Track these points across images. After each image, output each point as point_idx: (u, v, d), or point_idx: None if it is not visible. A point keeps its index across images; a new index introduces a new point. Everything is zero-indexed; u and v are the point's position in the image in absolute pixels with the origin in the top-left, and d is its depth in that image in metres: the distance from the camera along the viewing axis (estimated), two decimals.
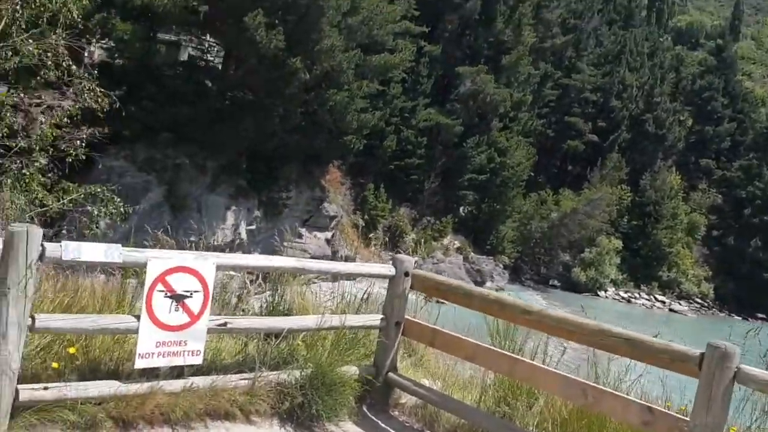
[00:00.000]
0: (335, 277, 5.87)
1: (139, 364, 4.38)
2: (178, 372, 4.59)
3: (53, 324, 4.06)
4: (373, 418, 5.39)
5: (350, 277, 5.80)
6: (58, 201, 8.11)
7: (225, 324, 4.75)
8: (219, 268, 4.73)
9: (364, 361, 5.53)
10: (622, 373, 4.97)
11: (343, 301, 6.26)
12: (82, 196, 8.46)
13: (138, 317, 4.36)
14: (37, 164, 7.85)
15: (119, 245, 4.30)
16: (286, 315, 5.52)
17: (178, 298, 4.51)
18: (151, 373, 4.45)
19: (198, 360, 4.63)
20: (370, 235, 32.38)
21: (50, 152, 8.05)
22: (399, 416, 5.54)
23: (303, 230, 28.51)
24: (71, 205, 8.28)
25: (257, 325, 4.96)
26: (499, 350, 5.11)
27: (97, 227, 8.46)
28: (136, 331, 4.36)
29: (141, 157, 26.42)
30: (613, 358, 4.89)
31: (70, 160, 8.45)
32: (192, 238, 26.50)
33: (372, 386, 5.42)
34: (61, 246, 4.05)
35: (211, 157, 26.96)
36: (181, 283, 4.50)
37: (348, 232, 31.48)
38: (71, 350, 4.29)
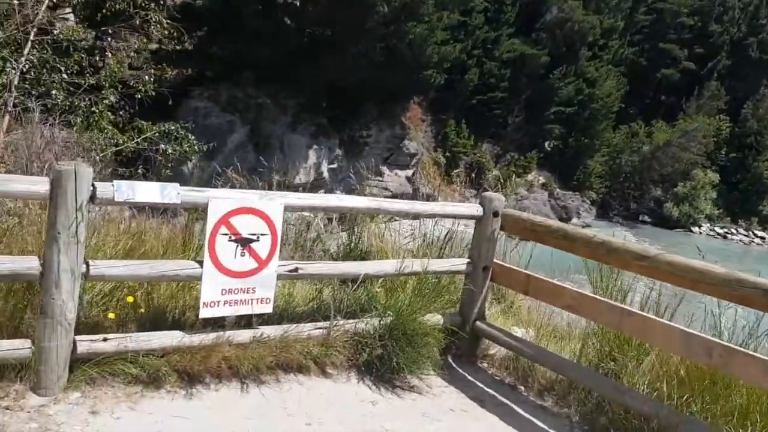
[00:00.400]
0: (416, 217, 5.30)
1: (204, 313, 3.99)
2: (246, 322, 4.18)
3: (109, 271, 3.69)
4: (459, 370, 4.87)
5: (432, 217, 5.21)
6: (133, 140, 7.85)
7: (296, 269, 4.29)
8: (287, 209, 4.24)
9: (448, 309, 5.00)
10: (740, 325, 4.24)
11: (425, 243, 5.71)
12: (157, 134, 8.17)
13: (201, 263, 3.94)
14: (106, 101, 7.57)
15: (176, 184, 3.86)
16: (363, 259, 5.02)
17: (244, 242, 4.06)
18: (217, 324, 4.06)
19: (268, 308, 4.21)
20: (452, 173, 31.57)
21: (119, 89, 7.75)
22: (488, 369, 5.01)
23: (384, 168, 28.03)
24: (146, 144, 8.02)
25: (331, 270, 4.47)
26: (607, 301, 4.44)
27: (169, 166, 8.18)
28: (199, 278, 3.96)
29: (224, 97, 26.42)
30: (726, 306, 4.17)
31: (139, 96, 8.13)
32: (275, 178, 26.63)
33: (458, 336, 4.90)
34: (113, 186, 3.64)
35: (291, 96, 26.65)
36: (246, 225, 4.05)
37: (429, 170, 30.79)
38: (129, 299, 3.93)
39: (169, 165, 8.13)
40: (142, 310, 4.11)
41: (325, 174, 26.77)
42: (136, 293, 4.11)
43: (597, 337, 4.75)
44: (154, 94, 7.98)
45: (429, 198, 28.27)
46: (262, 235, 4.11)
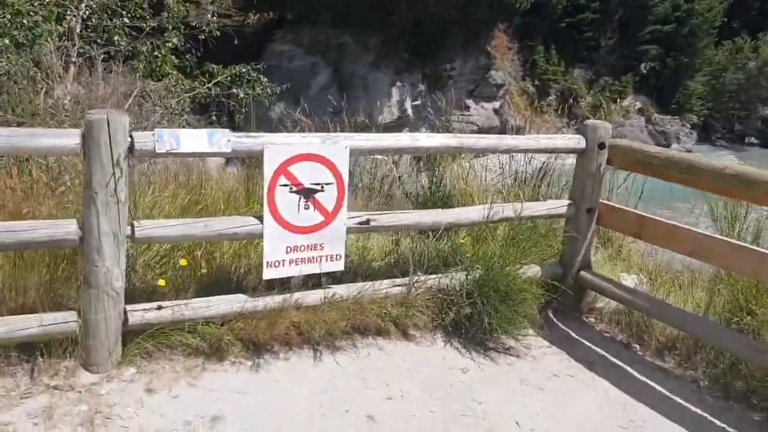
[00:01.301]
0: (506, 152, 4.56)
1: (268, 274, 3.48)
2: (314, 282, 3.66)
3: (157, 232, 3.21)
4: (562, 327, 4.21)
5: (525, 152, 4.46)
6: (204, 85, 7.39)
7: (367, 221, 3.70)
8: (354, 152, 3.62)
9: (547, 259, 4.29)
10: None
11: (516, 182, 4.98)
12: (229, 78, 7.67)
13: (262, 218, 3.42)
14: (169, 44, 7.08)
15: (227, 131, 3.31)
16: (446, 205, 4.38)
17: (307, 193, 3.50)
18: (283, 285, 3.56)
19: (338, 266, 3.66)
20: (542, 102, 29.94)
21: (182, 30, 7.24)
22: (595, 324, 4.31)
23: (469, 101, 26.89)
24: (218, 89, 7.54)
25: (408, 221, 3.85)
26: (740, 243, 3.62)
27: (243, 111, 7.67)
28: (260, 236, 3.44)
29: (306, 39, 25.89)
30: None
31: (203, 37, 7.61)
32: (360, 118, 26.09)
33: (558, 289, 4.21)
34: (154, 135, 3.13)
35: (373, 34, 25.76)
36: (308, 174, 3.47)
37: (517, 101, 29.33)
38: (183, 262, 3.47)
39: (243, 110, 7.67)
40: (204, 271, 3.66)
41: (409, 111, 25.96)
42: (196, 253, 3.65)
43: (727, 286, 3.95)
44: (218, 34, 7.43)
45: (519, 131, 27.00)
46: (326, 184, 3.53)
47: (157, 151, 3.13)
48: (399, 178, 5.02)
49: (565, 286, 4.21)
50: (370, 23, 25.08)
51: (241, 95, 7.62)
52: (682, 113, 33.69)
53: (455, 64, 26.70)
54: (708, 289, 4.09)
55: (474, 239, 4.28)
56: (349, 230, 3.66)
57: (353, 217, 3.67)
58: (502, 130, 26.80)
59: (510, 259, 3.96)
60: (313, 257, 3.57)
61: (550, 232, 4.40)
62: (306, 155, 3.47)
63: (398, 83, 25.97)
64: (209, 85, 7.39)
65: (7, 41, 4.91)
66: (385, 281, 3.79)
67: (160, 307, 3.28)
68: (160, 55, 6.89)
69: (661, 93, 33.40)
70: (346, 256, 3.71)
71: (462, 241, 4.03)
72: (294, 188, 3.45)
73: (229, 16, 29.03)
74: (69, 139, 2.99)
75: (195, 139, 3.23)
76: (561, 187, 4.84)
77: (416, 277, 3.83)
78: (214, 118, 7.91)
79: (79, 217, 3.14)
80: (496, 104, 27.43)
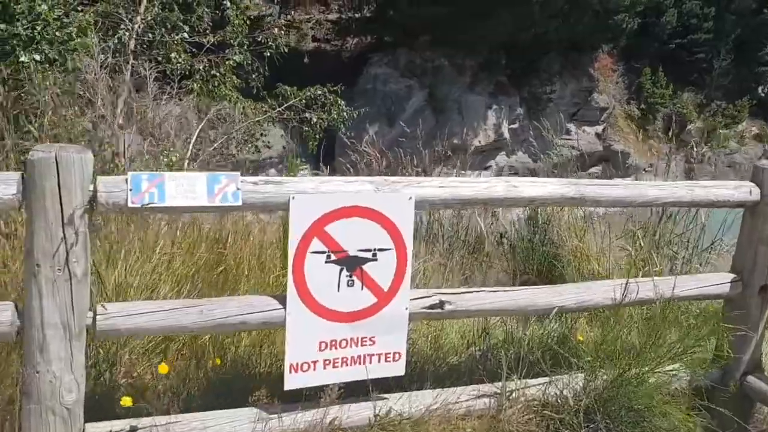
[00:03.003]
0: (646, 206, 3.23)
1: (292, 382, 2.35)
2: (361, 390, 2.49)
3: (127, 323, 2.15)
4: None
5: (674, 206, 3.13)
6: (273, 109, 6.43)
7: (441, 304, 2.50)
8: (421, 204, 2.46)
9: (695, 355, 2.93)
10: None
11: (647, 238, 3.64)
12: (303, 101, 6.70)
13: (284, 300, 2.30)
14: (230, 62, 6.15)
15: (236, 174, 2.22)
16: (552, 275, 3.12)
17: (352, 264, 2.36)
18: (314, 397, 2.42)
19: (397, 369, 2.48)
20: (647, 127, 27.69)
21: (246, 47, 6.31)
22: None
23: (570, 125, 25.12)
24: (288, 113, 6.57)
25: (501, 304, 2.61)
26: None
27: (316, 138, 6.68)
28: (281, 324, 2.32)
29: (402, 61, 25.11)
30: None
31: (269, 54, 6.64)
32: (455, 141, 24.94)
33: (713, 398, 2.84)
34: (127, 181, 2.09)
35: (469, 56, 24.59)
36: (354, 236, 2.34)
37: (621, 125, 27.22)
38: (162, 369, 2.37)
39: (316, 137, 6.69)
40: (215, 363, 2.59)
41: (506, 134, 24.53)
42: (202, 340, 2.59)
43: None
44: (286, 51, 6.46)
45: (624, 156, 25.04)
46: (380, 250, 2.38)
47: (130, 204, 2.08)
48: (501, 236, 3.76)
49: (723, 396, 2.84)
50: (467, 45, 23.98)
51: (314, 120, 6.63)
52: None
53: (555, 87, 25.07)
54: None
55: (594, 321, 3.00)
56: (413, 316, 2.49)
57: (420, 298, 2.49)
58: (605, 155, 24.84)
59: (648, 359, 2.65)
60: (359, 356, 2.42)
61: (699, 317, 3.04)
62: (351, 209, 2.33)
63: (494, 106, 24.59)
64: (279, 109, 6.42)
65: (36, 57, 4.13)
66: (467, 390, 2.58)
67: (134, 429, 2.22)
68: (218, 74, 5.99)
69: None
70: (409, 345, 2.54)
71: (581, 338, 2.74)
72: (333, 256, 2.32)
73: (329, 40, 28.83)
74: (5, 186, 1.99)
75: (188, 188, 2.16)
76: (713, 251, 3.47)
77: (511, 384, 2.59)
78: (282, 146, 6.97)
79: (18, 300, 2.14)
80: (599, 128, 25.52)
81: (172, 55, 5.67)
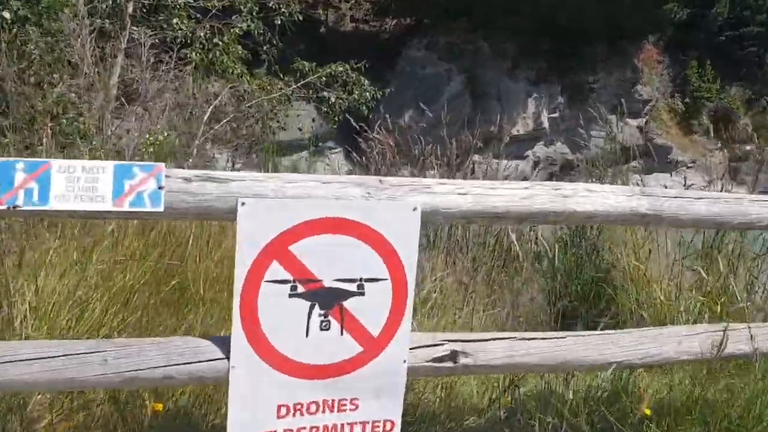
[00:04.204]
0: (745, 228, 2.41)
1: None
2: None
3: None
4: None
5: None
6: (288, 86, 5.66)
7: (453, 356, 1.75)
8: (432, 217, 1.71)
9: None
10: None
11: (719, 263, 2.81)
12: (323, 79, 5.91)
13: (226, 343, 1.58)
14: (235, 30, 5.30)
15: (158, 166, 1.49)
16: (597, 310, 2.34)
17: (329, 299, 1.62)
18: None
19: None
20: (692, 121, 26.24)
21: (255, 13, 5.45)
22: None
23: (611, 117, 23.86)
24: (307, 91, 5.79)
25: (536, 357, 1.85)
26: None
27: (336, 120, 5.89)
28: (224, 380, 1.60)
29: (441, 44, 24.16)
30: None
31: (279, 22, 5.79)
32: (491, 129, 23.96)
33: None
34: None
35: (510, 40, 23.48)
36: (334, 259, 1.60)
37: (664, 118, 25.85)
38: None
39: (336, 118, 5.91)
40: (156, 409, 1.90)
41: (545, 124, 23.45)
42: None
43: None
44: (301, 18, 5.64)
45: (665, 151, 23.73)
46: (370, 280, 1.64)
47: (4, 206, 1.38)
48: (536, 253, 2.94)
49: None
50: (509, 28, 22.87)
51: (333, 99, 5.85)
52: None
53: (598, 77, 23.84)
54: None
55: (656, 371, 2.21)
56: (414, 372, 1.74)
57: (424, 346, 1.74)
58: (646, 149, 23.57)
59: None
60: (335, 426, 1.69)
61: None
62: (330, 222, 1.59)
63: (535, 94, 23.47)
64: (295, 86, 5.63)
65: (6, 15, 3.47)
66: None
67: None
68: (221, 43, 5.20)
69: None
70: (411, 399, 1.81)
71: (647, 411, 1.96)
72: (300, 288, 1.59)
73: (367, 21, 27.95)
74: None
75: (85, 185, 1.45)
76: None
77: None
78: (300, 130, 6.19)
79: None
80: (641, 121, 24.23)
81: (174, 20, 4.94)
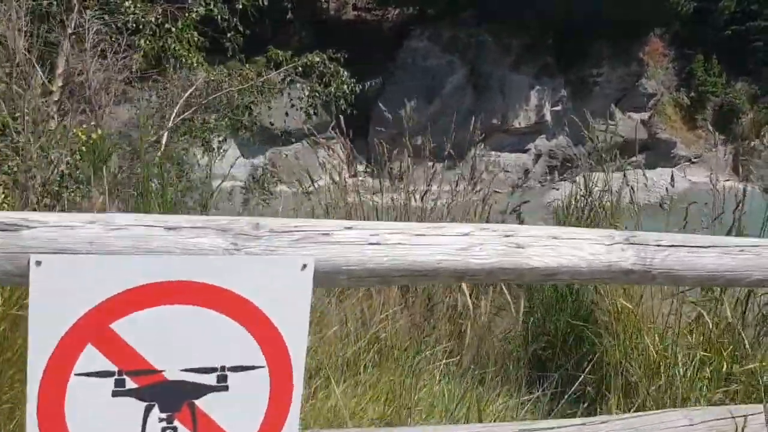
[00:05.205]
0: (758, 285, 1.89)
1: None
2: None
3: None
4: None
5: None
6: (259, 75, 5.05)
7: None
8: (330, 278, 1.20)
9: None
10: None
11: (727, 309, 2.29)
12: (300, 68, 5.30)
13: None
14: (193, 15, 4.66)
15: None
16: (576, 356, 1.84)
17: (175, 398, 1.11)
18: None
19: None
20: (696, 116, 25.55)
21: None
22: None
23: (615, 111, 23.25)
24: (281, 83, 5.19)
25: None
26: None
27: (312, 115, 5.34)
28: None
29: (445, 36, 23.54)
30: None
31: (240, 6, 5.16)
32: (493, 121, 23.34)
33: None
34: None
35: (515, 34, 22.82)
36: (181, 341, 1.09)
37: (668, 113, 25.15)
38: None
39: (311, 114, 5.36)
40: None
41: (548, 117, 22.86)
42: None
43: None
44: (266, 3, 5.01)
45: (669, 146, 23.09)
46: (237, 369, 1.13)
47: None
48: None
49: None
50: (515, 23, 22.21)
51: (306, 92, 5.26)
52: None
53: (602, 70, 23.20)
54: None
55: None
56: None
57: None
58: (648, 144, 22.90)
59: None
60: None
61: None
62: (173, 287, 1.09)
63: (537, 87, 22.83)
64: (266, 76, 5.04)
65: None
66: None
67: None
68: (174, 29, 4.61)
69: None
70: None
71: None
72: (130, 382, 1.09)
73: (369, 9, 27.22)
74: None
75: None
76: None
77: None
78: (273, 125, 5.64)
79: None
80: (645, 115, 23.58)
81: (126, 3, 4.36)
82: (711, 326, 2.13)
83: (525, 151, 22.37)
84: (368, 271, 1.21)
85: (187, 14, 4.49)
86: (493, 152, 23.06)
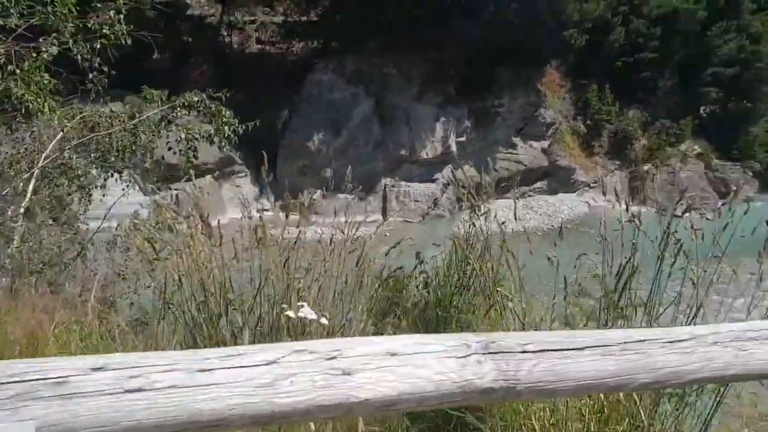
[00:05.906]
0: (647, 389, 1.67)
1: None
2: None
3: None
4: None
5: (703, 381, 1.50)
6: (132, 117, 4.58)
7: None
8: None
9: None
10: None
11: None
12: (179, 109, 4.85)
13: None
14: (44, 55, 4.08)
15: None
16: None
17: None
18: None
19: None
20: (593, 143, 26.77)
21: (72, 35, 4.24)
22: None
23: (517, 140, 23.93)
24: (150, 129, 4.66)
25: None
26: None
27: (191, 161, 4.87)
28: None
29: (349, 68, 23.51)
30: None
31: (98, 46, 4.57)
32: (401, 152, 23.37)
33: None
34: None
35: (417, 65, 23.13)
36: None
37: (567, 140, 26.20)
38: None
39: (191, 159, 4.91)
40: None
41: (453, 147, 23.18)
42: None
43: None
44: (129, 41, 4.56)
45: (569, 172, 23.97)
46: None
47: None
48: None
49: None
50: (417, 54, 22.52)
51: (182, 135, 4.81)
52: (744, 160, 29.84)
53: (503, 101, 23.86)
54: None
55: None
56: None
57: None
58: (550, 170, 23.68)
59: None
60: None
61: None
62: None
63: (442, 118, 23.17)
64: (143, 117, 4.54)
65: None
66: None
67: None
68: (18, 72, 4.06)
69: (722, 138, 29.65)
70: None
71: None
72: None
73: (273, 43, 26.86)
74: None
75: None
76: None
77: None
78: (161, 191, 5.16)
79: None
80: (545, 143, 24.42)
81: None
82: (603, 397, 1.91)
83: (433, 181, 22.53)
84: (125, 427, 0.86)
85: (35, 54, 3.93)
86: (402, 182, 23.15)
